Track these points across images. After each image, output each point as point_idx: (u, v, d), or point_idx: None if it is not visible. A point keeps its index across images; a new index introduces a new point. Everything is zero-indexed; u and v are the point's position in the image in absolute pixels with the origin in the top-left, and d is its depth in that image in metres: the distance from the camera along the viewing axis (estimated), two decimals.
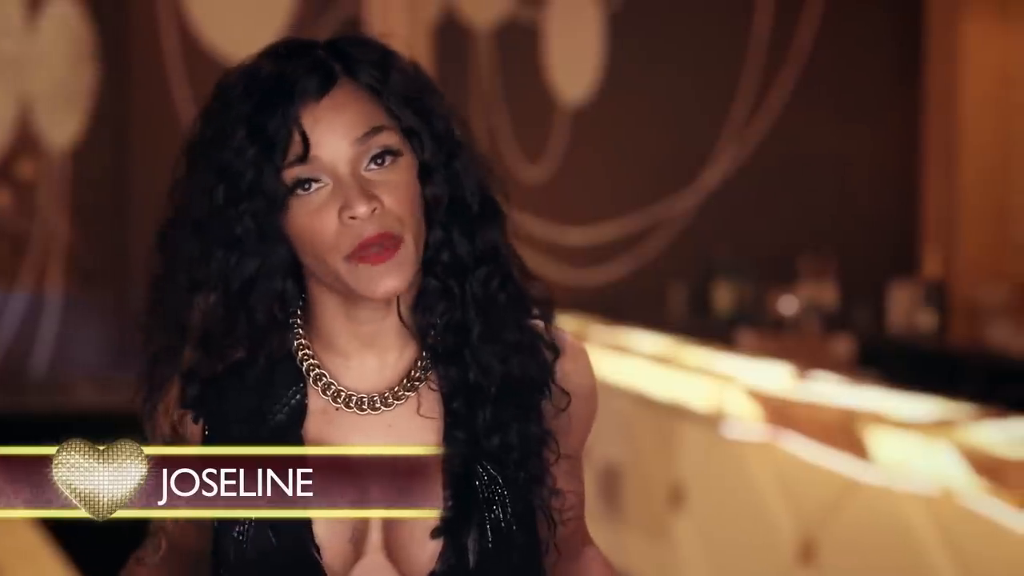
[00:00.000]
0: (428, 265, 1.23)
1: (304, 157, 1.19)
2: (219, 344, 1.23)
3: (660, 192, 6.14)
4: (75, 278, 5.40)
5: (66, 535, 3.80)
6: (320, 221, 1.19)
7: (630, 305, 5.86)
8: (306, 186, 1.19)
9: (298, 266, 1.24)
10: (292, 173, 1.19)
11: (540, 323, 1.27)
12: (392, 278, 1.19)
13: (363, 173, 1.20)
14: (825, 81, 6.28)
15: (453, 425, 1.22)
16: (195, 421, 1.25)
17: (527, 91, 5.73)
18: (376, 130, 1.20)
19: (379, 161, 1.20)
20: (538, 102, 5.69)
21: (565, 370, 1.27)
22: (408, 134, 1.22)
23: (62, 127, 5.04)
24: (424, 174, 1.22)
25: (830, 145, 6.33)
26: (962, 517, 3.08)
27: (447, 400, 1.24)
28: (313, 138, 1.19)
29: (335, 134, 1.19)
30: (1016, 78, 6.15)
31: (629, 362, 4.52)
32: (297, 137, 1.19)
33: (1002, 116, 6.16)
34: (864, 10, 6.38)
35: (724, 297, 6.05)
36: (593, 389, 1.30)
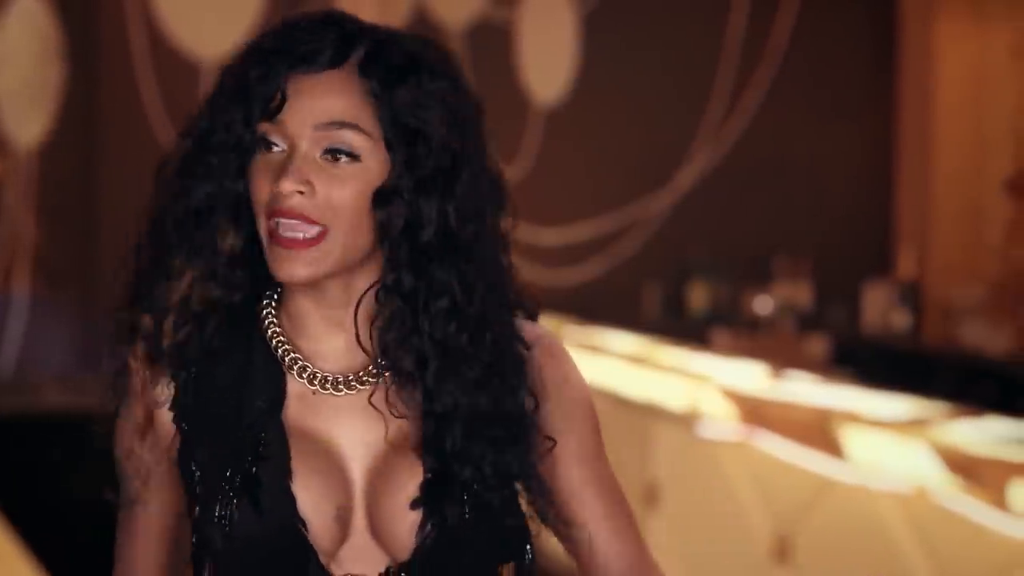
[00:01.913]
0: (385, 289, 1.23)
1: (273, 116, 1.21)
2: (165, 265, 1.24)
3: (635, 192, 6.14)
4: (42, 278, 5.35)
5: (35, 535, 3.76)
6: (260, 182, 1.21)
7: (605, 305, 5.85)
8: (269, 146, 1.21)
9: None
10: (261, 128, 1.22)
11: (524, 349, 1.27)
12: (300, 266, 1.20)
13: (317, 158, 1.21)
14: (800, 82, 6.29)
15: (431, 410, 1.23)
16: (175, 422, 1.25)
17: (500, 91, 5.70)
18: (342, 125, 1.20)
19: (334, 156, 1.20)
20: (511, 102, 5.66)
21: (550, 408, 1.27)
22: (388, 147, 1.21)
23: (29, 126, 4.99)
24: (383, 194, 1.21)
25: (805, 146, 6.34)
26: (937, 515, 3.08)
27: (428, 391, 1.23)
28: (289, 105, 1.20)
29: (306, 111, 1.20)
30: (990, 78, 6.17)
31: (604, 362, 4.51)
32: (277, 97, 1.21)
33: (976, 117, 6.18)
34: (839, 11, 6.40)
35: (699, 297, 6.05)
36: (584, 395, 1.29)
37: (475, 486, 1.21)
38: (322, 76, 1.21)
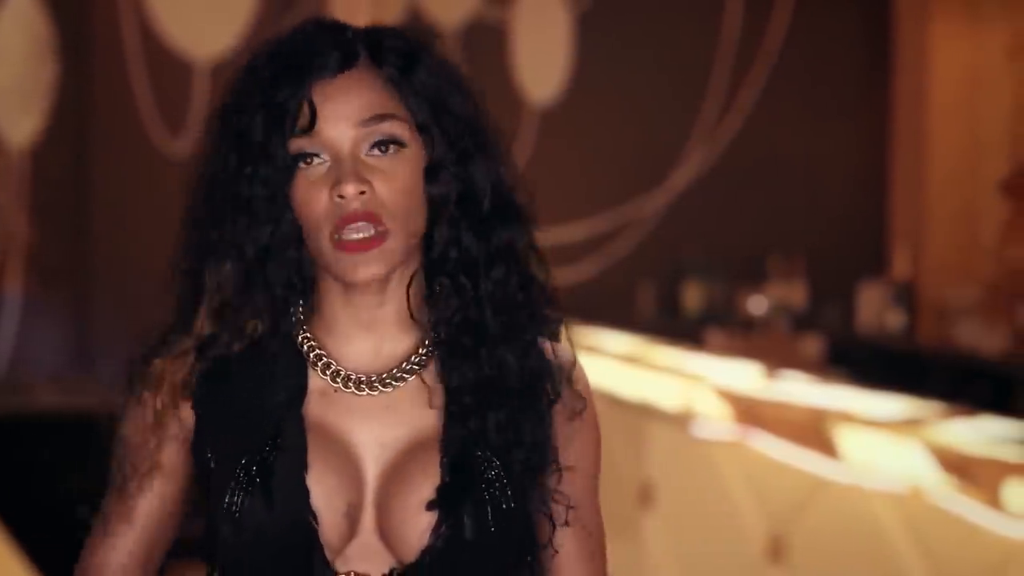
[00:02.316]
0: (438, 263, 1.25)
1: (308, 129, 1.21)
2: (236, 315, 1.24)
3: (629, 192, 6.13)
4: (35, 277, 5.34)
5: (27, 536, 3.74)
6: (314, 196, 1.22)
7: (599, 305, 5.84)
8: (308, 159, 1.22)
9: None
10: (296, 144, 1.22)
11: (551, 334, 1.28)
12: (373, 266, 1.21)
13: (363, 157, 1.22)
14: (795, 82, 6.29)
15: (458, 413, 1.24)
16: (194, 408, 1.25)
17: (494, 91, 5.68)
18: (382, 117, 1.22)
19: (382, 148, 1.22)
20: (505, 102, 5.66)
21: (575, 380, 1.29)
22: (421, 128, 1.23)
23: (21, 124, 4.98)
24: (432, 171, 1.24)
25: (799, 146, 6.34)
26: (931, 514, 3.07)
27: (453, 392, 1.24)
28: (321, 113, 1.21)
29: (341, 114, 1.21)
30: (984, 79, 6.17)
31: (598, 362, 4.50)
32: (306, 109, 1.21)
33: (970, 117, 6.18)
34: (833, 11, 6.40)
35: (693, 297, 6.04)
36: (593, 410, 1.31)
37: (497, 477, 1.21)
38: (340, 79, 1.22)
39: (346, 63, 1.22)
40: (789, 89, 6.27)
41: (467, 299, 1.24)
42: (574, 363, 1.29)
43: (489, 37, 5.65)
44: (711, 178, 6.16)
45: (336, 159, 1.21)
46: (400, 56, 1.24)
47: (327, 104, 1.21)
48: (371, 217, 1.20)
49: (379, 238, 1.20)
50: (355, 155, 1.21)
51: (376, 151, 1.22)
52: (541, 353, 1.26)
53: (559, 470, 1.25)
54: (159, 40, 4.80)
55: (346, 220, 1.20)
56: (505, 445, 1.23)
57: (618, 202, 6.12)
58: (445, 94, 1.24)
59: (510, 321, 1.24)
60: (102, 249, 5.22)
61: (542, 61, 5.61)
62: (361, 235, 1.20)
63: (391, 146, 1.22)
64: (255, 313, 1.24)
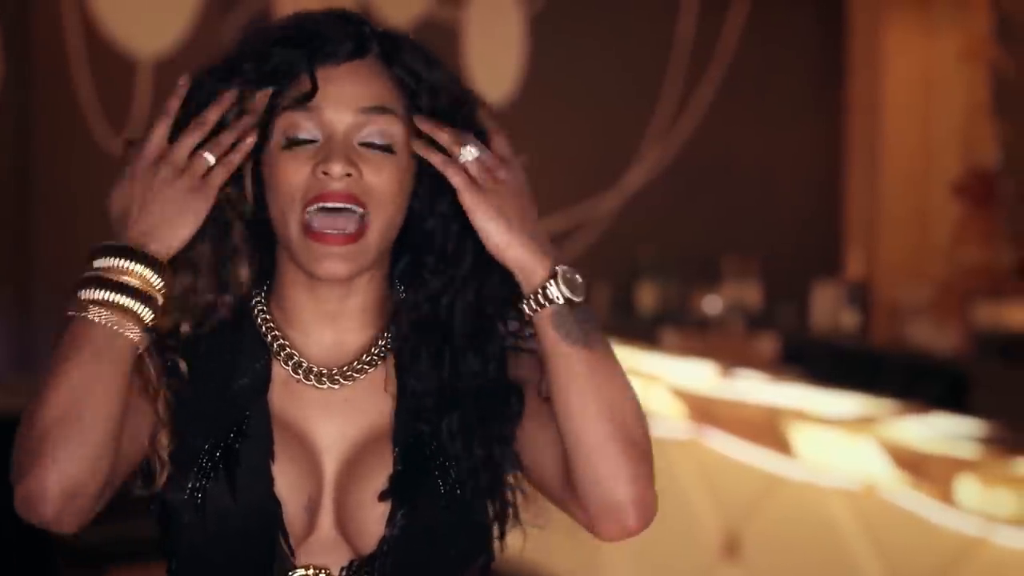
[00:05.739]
0: (428, 271, 1.26)
1: (305, 101, 1.19)
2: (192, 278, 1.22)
3: (584, 192, 6.12)
4: None
5: None
6: (297, 171, 1.20)
7: None
8: (297, 135, 1.22)
9: (270, 240, 1.24)
10: (290, 120, 1.20)
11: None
12: (340, 264, 1.20)
13: (356, 144, 1.21)
14: (750, 83, 6.30)
15: (416, 414, 1.23)
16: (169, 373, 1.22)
17: None
18: (382, 109, 1.22)
19: (372, 146, 1.22)
20: None
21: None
22: (417, 133, 1.25)
23: None
24: (418, 174, 1.25)
25: (754, 147, 6.35)
26: (884, 511, 3.08)
27: (413, 395, 1.24)
28: (323, 92, 1.21)
29: (343, 96, 1.22)
30: (937, 83, 6.21)
31: None
32: (305, 80, 1.21)
33: (923, 121, 6.23)
34: (789, 14, 6.42)
35: (648, 297, 6.04)
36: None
37: (450, 464, 1.21)
38: (349, 66, 1.22)
39: (356, 54, 1.23)
40: (744, 90, 6.28)
41: (439, 306, 1.25)
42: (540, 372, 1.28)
43: (441, 37, 5.62)
44: (666, 178, 6.16)
45: (328, 139, 1.20)
46: (413, 60, 1.24)
47: (330, 86, 1.21)
48: (354, 199, 1.19)
49: (355, 235, 1.19)
50: (348, 140, 1.21)
51: (365, 145, 1.21)
52: (504, 367, 1.26)
53: (518, 470, 1.25)
54: (102, 37, 4.74)
55: (325, 196, 1.18)
56: (461, 452, 1.22)
57: (572, 202, 6.10)
58: (448, 105, 1.25)
59: (476, 330, 1.24)
60: (45, 248, 5.14)
61: (495, 61, 5.59)
62: (338, 230, 1.18)
63: (379, 147, 1.22)
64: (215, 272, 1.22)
